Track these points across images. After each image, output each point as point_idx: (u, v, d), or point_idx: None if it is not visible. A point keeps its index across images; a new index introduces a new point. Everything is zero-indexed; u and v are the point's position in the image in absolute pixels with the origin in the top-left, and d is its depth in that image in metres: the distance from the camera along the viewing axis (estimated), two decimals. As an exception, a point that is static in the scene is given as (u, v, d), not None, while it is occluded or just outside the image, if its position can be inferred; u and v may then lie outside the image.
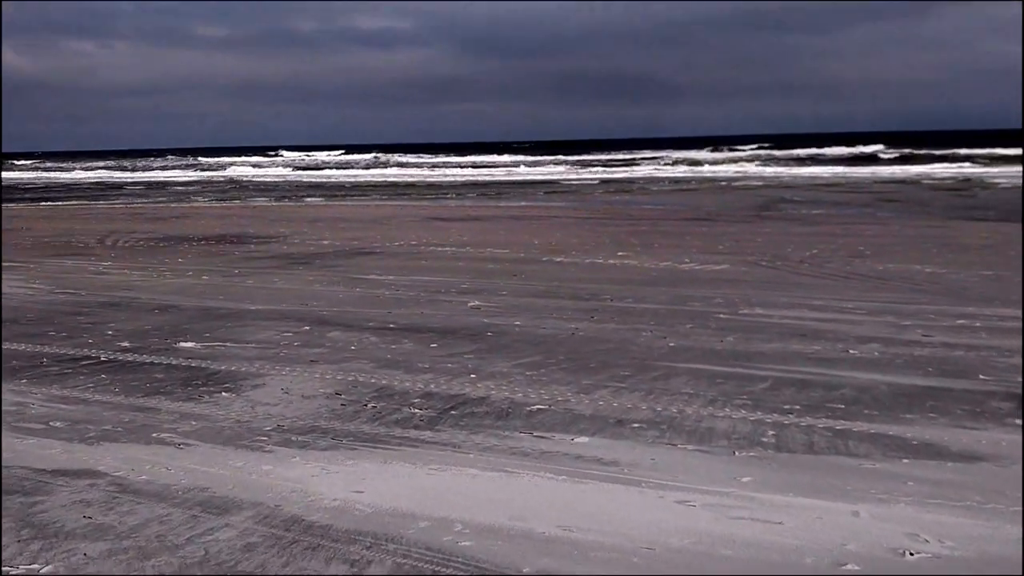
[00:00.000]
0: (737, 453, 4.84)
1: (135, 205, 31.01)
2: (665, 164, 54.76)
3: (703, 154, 65.83)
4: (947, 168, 43.78)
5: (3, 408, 5.80)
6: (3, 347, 7.72)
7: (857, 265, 12.74)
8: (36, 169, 72.05)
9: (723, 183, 38.52)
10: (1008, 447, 4.91)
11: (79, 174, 63.02)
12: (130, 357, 7.36)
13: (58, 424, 5.49)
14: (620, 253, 14.36)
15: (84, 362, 7.21)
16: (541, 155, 71.92)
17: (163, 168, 71.47)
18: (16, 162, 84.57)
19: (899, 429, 5.26)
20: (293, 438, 5.13)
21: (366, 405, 5.85)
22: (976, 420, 5.41)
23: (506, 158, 68.16)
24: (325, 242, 16.53)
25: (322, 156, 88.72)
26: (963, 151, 52.52)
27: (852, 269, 12.36)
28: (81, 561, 3.57)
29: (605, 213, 24.07)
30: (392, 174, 53.39)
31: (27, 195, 39.17)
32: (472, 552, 3.63)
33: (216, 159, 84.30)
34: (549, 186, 38.76)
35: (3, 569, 3.45)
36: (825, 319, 8.76)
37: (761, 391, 6.12)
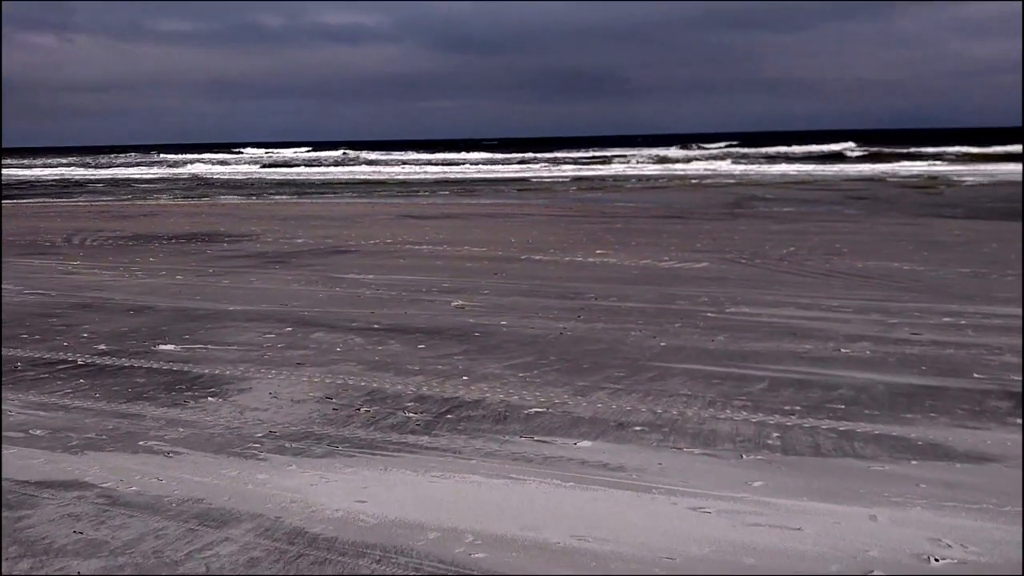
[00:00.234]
0: (744, 456, 4.75)
1: (99, 203, 30.37)
2: (638, 162, 54.91)
3: (673, 151, 66.15)
4: (915, 166, 44.39)
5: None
6: (-27, 351, 7.43)
7: (836, 263, 12.78)
8: (-6, 166, 70.40)
9: (694, 180, 38.68)
10: (1013, 447, 4.88)
11: (39, 171, 61.71)
12: (108, 361, 7.11)
13: (38, 432, 5.26)
14: (599, 251, 14.29)
15: (61, 366, 6.95)
16: (510, 152, 71.79)
17: (126, 165, 70.23)
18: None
19: (902, 430, 5.21)
20: (287, 445, 4.96)
21: (359, 409, 5.69)
22: (978, 420, 5.38)
23: (476, 155, 67.95)
24: (299, 240, 16.27)
25: (288, 153, 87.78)
26: (930, 149, 53.32)
27: (832, 267, 12.40)
28: (74, 580, 3.39)
29: (579, 211, 24.01)
30: (361, 171, 52.93)
31: (-14, 192, 38.21)
32: (487, 564, 3.50)
33: (180, 156, 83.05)
34: (521, 183, 38.64)
35: None
36: (812, 317, 8.74)
37: (759, 392, 6.06)
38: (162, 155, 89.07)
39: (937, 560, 3.52)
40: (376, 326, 8.42)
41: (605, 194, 31.45)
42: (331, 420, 5.44)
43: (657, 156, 58.80)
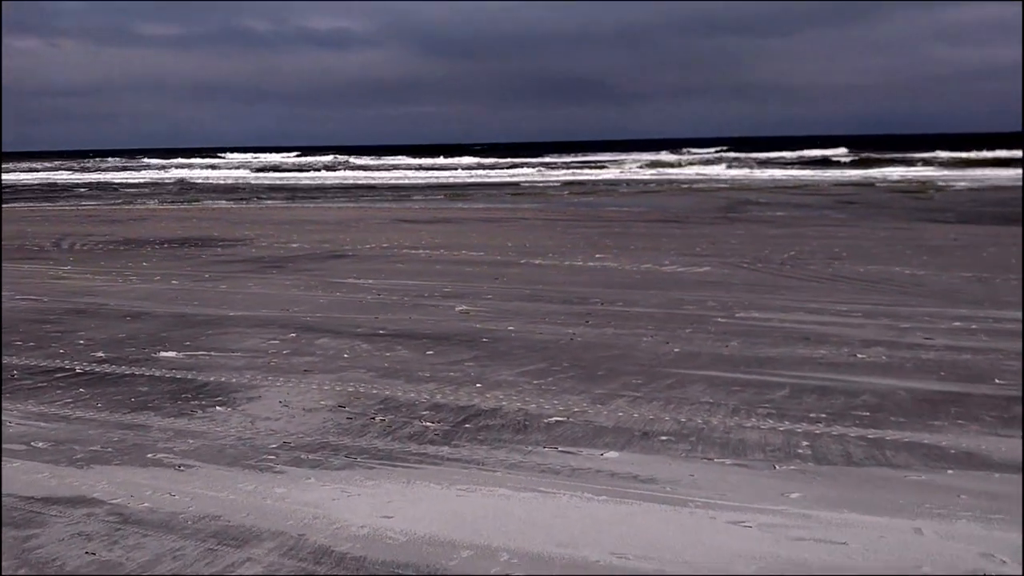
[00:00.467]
0: (777, 467, 4.61)
1: (86, 207, 30.01)
2: (632, 166, 54.86)
3: (664, 156, 66.21)
4: (904, 171, 44.56)
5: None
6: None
7: (838, 267, 12.69)
8: (-23, 170, 69.62)
9: (685, 185, 38.66)
10: (1050, 456, 4.75)
11: (22, 175, 61.04)
12: (108, 368, 6.90)
13: (41, 444, 5.05)
14: (598, 255, 14.15)
15: (59, 374, 6.73)
16: (499, 157, 71.65)
17: (111, 169, 69.63)
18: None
19: (933, 438, 5.08)
20: (303, 456, 4.77)
21: (373, 418, 5.51)
22: (1009, 427, 5.26)
23: (466, 159, 67.77)
24: (294, 245, 16.05)
25: (277, 158, 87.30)
26: (919, 154, 53.57)
27: (834, 271, 12.31)
28: (90, 604, 3.20)
29: (574, 215, 23.88)
30: (351, 176, 52.66)
31: (-29, 197, 37.73)
32: (526, 584, 3.33)
33: (166, 160, 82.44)
34: (513, 188, 38.50)
35: None
36: (823, 322, 8.63)
37: (781, 399, 5.92)
38: (148, 159, 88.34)
39: (994, 577, 3.39)
40: (382, 332, 8.24)
41: (598, 198, 31.35)
42: (346, 430, 5.26)
43: (651, 161, 58.79)
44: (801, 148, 72.10)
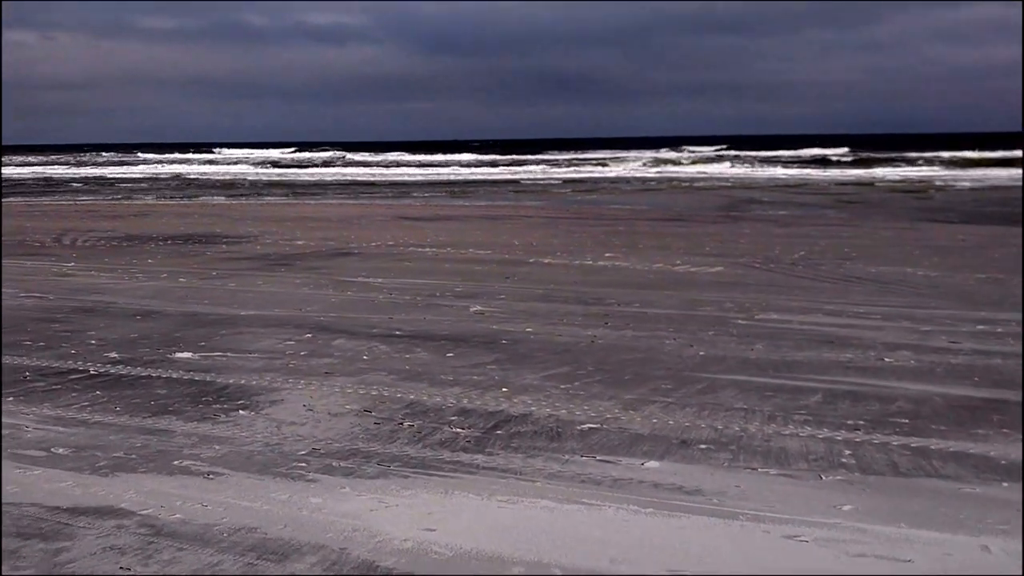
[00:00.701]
0: (823, 477, 4.48)
1: (84, 202, 29.77)
2: (634, 163, 54.71)
3: (665, 153, 66.10)
4: (906, 171, 44.54)
5: (-7, 431, 5.17)
6: (-23, 359, 7.03)
7: (849, 268, 12.59)
8: (-29, 164, 69.14)
9: (686, 183, 38.57)
10: (1102, 467, 4.63)
11: (18, 170, 60.63)
12: (123, 370, 6.74)
13: (61, 451, 4.89)
14: (607, 254, 14.02)
15: (73, 376, 6.57)
16: (498, 154, 71.43)
17: (107, 164, 69.24)
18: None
19: (979, 447, 4.96)
20: (335, 464, 4.63)
21: (401, 423, 5.37)
22: (1054, 436, 5.14)
23: (467, 156, 67.55)
24: (299, 242, 15.88)
25: (275, 154, 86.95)
26: (919, 154, 53.56)
27: (846, 272, 12.20)
28: (130, 624, 3.05)
29: (578, 213, 23.75)
30: (351, 172, 52.44)
31: (-34, 191, 37.41)
32: (584, 604, 3.20)
33: (163, 155, 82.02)
34: (514, 185, 38.35)
35: None
36: (844, 324, 8.51)
37: (816, 405, 5.80)
38: (144, 154, 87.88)
39: (1070, 597, 3.26)
40: (398, 332, 8.09)
41: (601, 196, 31.22)
42: (375, 436, 5.12)
43: (654, 158, 58.66)
44: (800, 147, 72.08)
